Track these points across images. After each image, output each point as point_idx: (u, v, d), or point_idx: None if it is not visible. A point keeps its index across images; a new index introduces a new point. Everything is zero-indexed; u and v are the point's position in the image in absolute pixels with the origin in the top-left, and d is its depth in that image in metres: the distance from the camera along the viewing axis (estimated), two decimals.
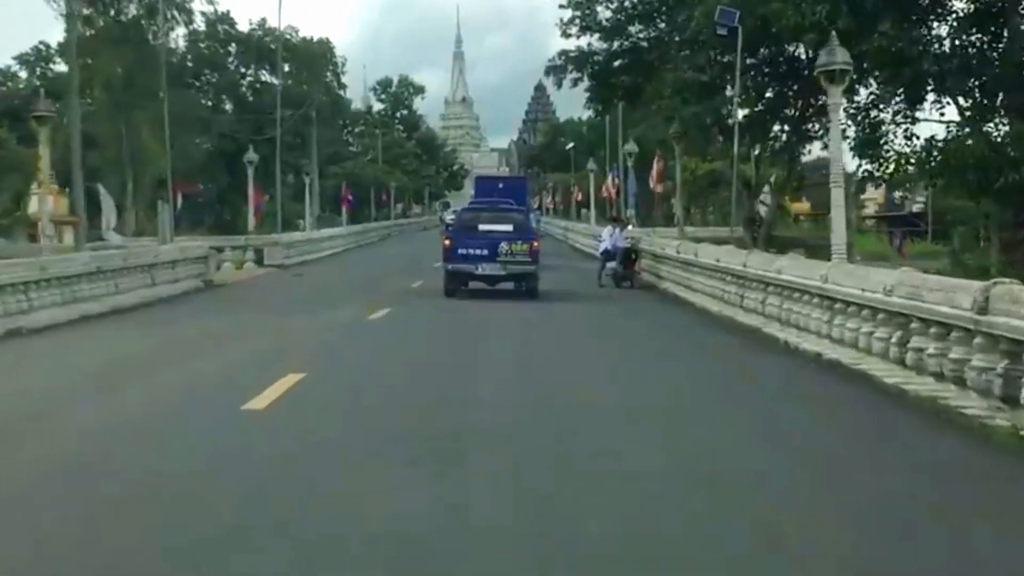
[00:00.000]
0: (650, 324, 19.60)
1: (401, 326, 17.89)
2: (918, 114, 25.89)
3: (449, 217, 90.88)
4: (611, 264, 27.63)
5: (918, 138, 25.81)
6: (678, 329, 18.60)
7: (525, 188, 48.04)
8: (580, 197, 74.27)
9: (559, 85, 34.55)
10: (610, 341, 16.65)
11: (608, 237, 27.96)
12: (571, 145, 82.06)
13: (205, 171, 70.13)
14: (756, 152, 33.51)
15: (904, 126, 25.84)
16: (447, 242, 23.62)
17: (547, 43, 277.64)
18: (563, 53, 34.20)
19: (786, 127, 32.94)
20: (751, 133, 32.68)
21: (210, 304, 22.97)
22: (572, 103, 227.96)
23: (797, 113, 32.10)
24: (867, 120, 26.10)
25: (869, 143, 25.89)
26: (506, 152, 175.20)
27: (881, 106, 26.04)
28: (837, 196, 16.45)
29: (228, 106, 75.40)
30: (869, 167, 26.46)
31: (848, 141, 26.22)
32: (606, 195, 51.49)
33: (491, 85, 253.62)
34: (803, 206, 63.07)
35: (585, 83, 34.38)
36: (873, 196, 68.60)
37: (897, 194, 67.06)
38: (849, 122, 26.09)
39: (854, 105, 26.23)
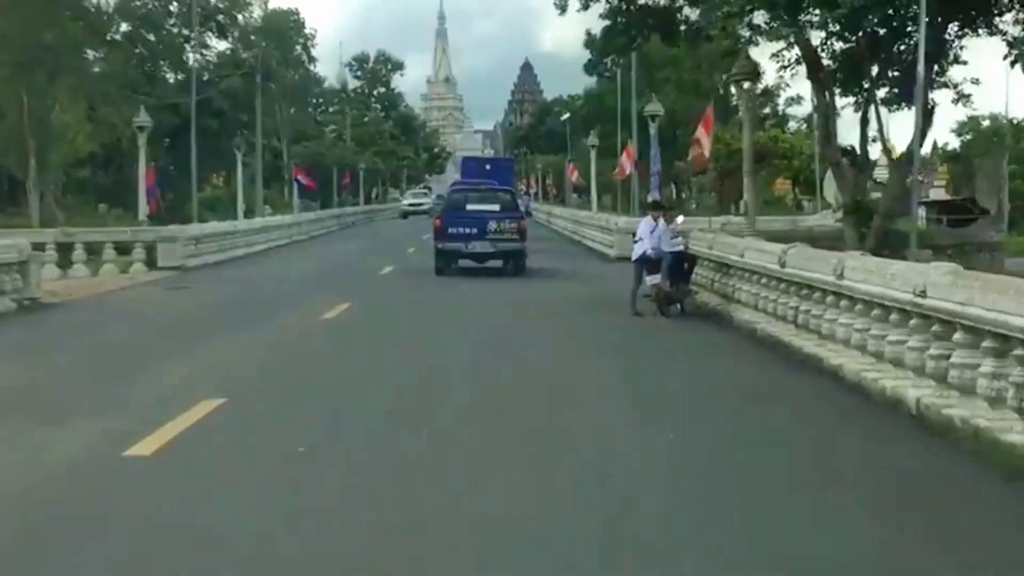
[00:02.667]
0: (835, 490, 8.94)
1: (206, 485, 7.04)
2: None
3: (406, 203, 78.31)
4: (651, 278, 17.16)
5: None
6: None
7: (511, 170, 50.65)
8: (576, 178, 63.18)
9: (563, 9, 23.67)
10: None
11: (648, 235, 17.27)
12: (566, 115, 71.17)
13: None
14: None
15: None
16: (437, 222, 24.28)
17: (534, 30, 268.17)
18: None
19: (894, 71, 22.45)
20: (843, 79, 22.64)
21: None
22: (560, 82, 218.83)
23: (909, 55, 21.65)
24: None
25: None
26: (491, 134, 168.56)
27: None
28: None
29: (171, 76, 65.01)
30: None
31: None
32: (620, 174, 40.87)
33: (478, 72, 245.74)
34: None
35: (601, 5, 23.51)
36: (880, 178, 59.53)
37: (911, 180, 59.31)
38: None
39: None
